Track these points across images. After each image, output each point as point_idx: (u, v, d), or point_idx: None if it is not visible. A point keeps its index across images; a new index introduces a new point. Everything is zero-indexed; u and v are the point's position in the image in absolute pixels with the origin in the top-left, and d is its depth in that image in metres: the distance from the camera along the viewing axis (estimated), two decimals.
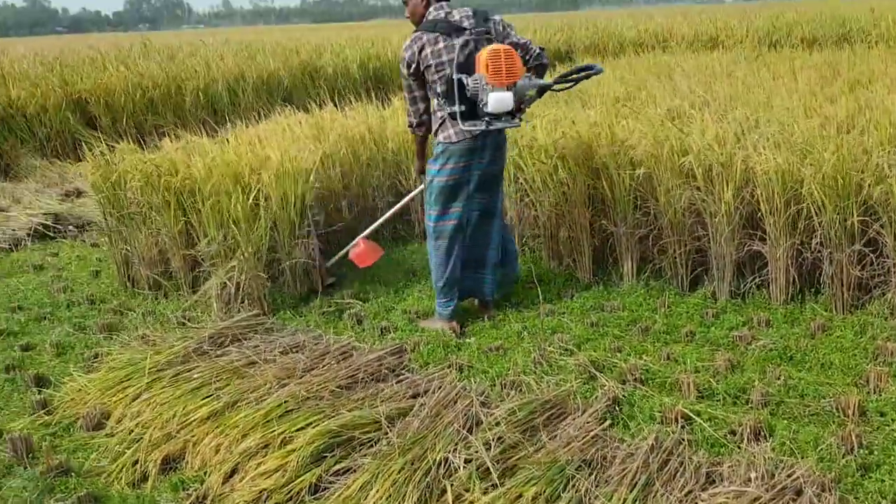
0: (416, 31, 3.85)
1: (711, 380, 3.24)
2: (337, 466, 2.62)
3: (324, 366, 3.24)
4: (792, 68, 7.83)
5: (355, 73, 12.03)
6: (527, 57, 3.90)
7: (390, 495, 2.41)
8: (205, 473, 2.78)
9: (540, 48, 3.96)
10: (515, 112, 3.79)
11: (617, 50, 15.50)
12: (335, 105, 6.71)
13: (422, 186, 4.27)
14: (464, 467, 2.50)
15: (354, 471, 2.58)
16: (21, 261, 5.62)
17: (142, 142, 9.34)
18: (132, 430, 3.08)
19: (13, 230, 6.19)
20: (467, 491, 2.43)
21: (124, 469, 2.86)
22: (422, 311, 4.21)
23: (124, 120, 9.20)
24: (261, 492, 2.57)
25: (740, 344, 3.58)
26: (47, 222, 6.32)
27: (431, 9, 3.88)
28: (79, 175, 8.09)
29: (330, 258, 4.68)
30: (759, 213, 4.04)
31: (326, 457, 2.65)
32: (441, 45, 3.75)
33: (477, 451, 2.55)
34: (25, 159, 8.12)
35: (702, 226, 4.20)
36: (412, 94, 3.92)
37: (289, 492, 2.56)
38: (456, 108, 3.71)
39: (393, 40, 15.03)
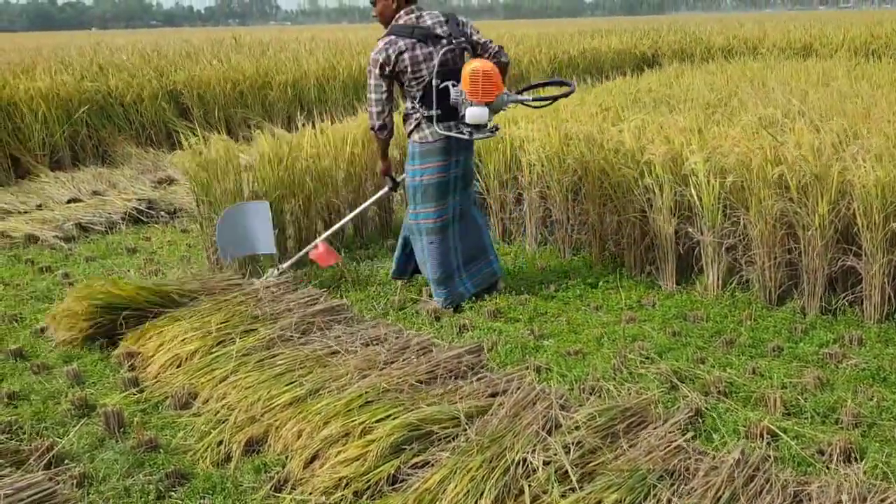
0: (389, 34, 4.04)
1: (799, 397, 3.15)
2: (415, 459, 2.64)
3: (404, 360, 3.27)
4: (892, 79, 7.52)
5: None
6: (485, 56, 4.16)
7: (468, 491, 2.42)
8: (286, 457, 2.84)
9: (499, 47, 4.20)
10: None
11: (705, 55, 15.17)
12: None
13: (387, 188, 4.62)
14: (542, 469, 2.49)
15: (432, 465, 2.60)
16: (116, 243, 5.86)
17: (231, 132, 9.66)
18: (218, 412, 3.18)
19: (109, 214, 6.46)
20: (545, 493, 2.42)
21: (209, 448, 2.94)
22: (498, 309, 4.21)
23: (215, 111, 9.49)
24: (340, 479, 2.61)
25: (830, 362, 3.46)
26: (141, 207, 6.57)
27: (402, 12, 4.08)
28: (171, 163, 8.40)
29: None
30: (855, 228, 3.89)
31: (405, 449, 2.68)
32: (419, 51, 3.99)
33: (556, 454, 2.54)
34: (122, 146, 8.46)
35: (793, 238, 4.07)
36: (380, 95, 4.08)
37: (367, 481, 2.59)
38: (433, 112, 3.98)
39: None
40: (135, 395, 3.44)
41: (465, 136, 4.00)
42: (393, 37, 4.01)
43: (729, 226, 4.27)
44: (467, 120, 3.92)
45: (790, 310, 4.05)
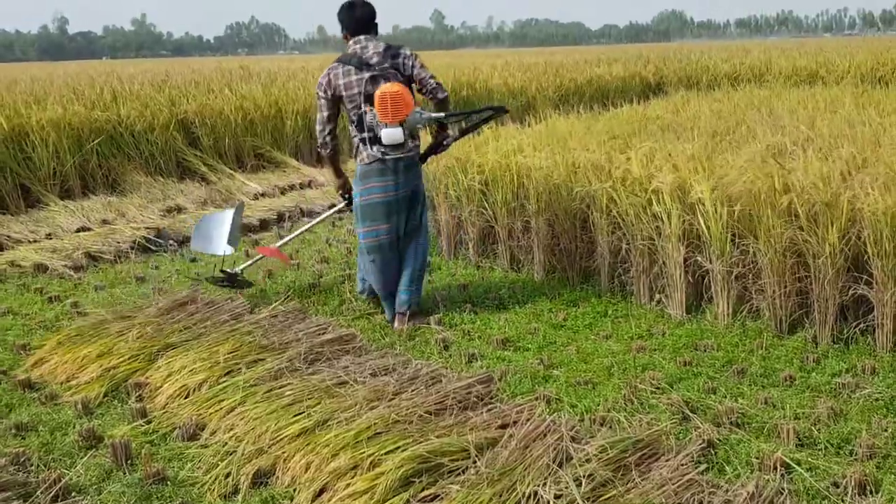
0: (335, 61, 4.36)
1: (812, 428, 3.11)
2: (425, 492, 2.62)
3: (413, 390, 3.25)
4: None
5: None
6: (423, 91, 4.40)
7: None
8: (294, 490, 2.82)
9: (437, 83, 4.37)
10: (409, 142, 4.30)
11: (711, 83, 15.24)
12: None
13: (342, 204, 4.93)
14: (554, 502, 2.46)
15: (442, 498, 2.58)
16: (124, 272, 5.87)
17: (241, 161, 9.72)
18: (226, 443, 3.16)
19: (118, 242, 6.48)
20: None
21: (217, 480, 2.92)
22: (507, 339, 4.19)
23: (226, 140, 9.55)
24: None
25: (843, 391, 3.42)
26: (150, 236, 6.59)
27: (351, 42, 4.37)
28: (180, 192, 8.45)
29: None
30: (866, 256, 3.87)
31: (414, 482, 2.65)
32: (353, 77, 4.26)
33: (567, 487, 2.51)
34: (131, 175, 8.52)
35: (804, 267, 4.05)
36: (322, 115, 4.39)
37: None
38: (365, 135, 4.28)
39: (484, 69, 15.16)
40: (143, 426, 3.42)
41: (382, 156, 4.26)
42: (336, 64, 4.33)
43: (738, 254, 4.26)
44: (384, 141, 4.17)
45: (802, 339, 4.01)
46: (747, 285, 4.27)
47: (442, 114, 4.42)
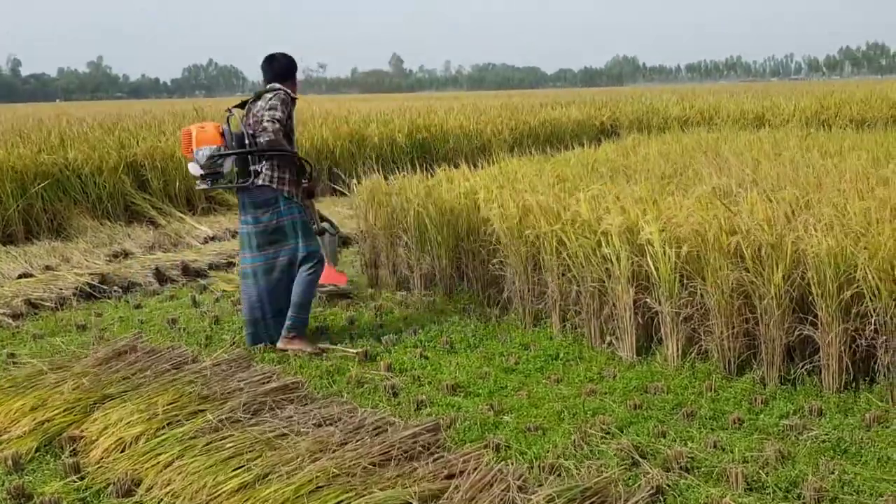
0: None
1: (761, 471, 3.09)
2: None
3: (357, 440, 3.16)
4: (841, 149, 7.73)
5: (401, 143, 12.23)
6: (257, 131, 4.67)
7: None
8: None
9: (268, 124, 4.57)
10: (224, 175, 4.67)
11: (662, 126, 15.55)
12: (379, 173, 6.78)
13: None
14: None
15: None
16: (66, 320, 5.69)
17: (191, 204, 9.57)
18: (161, 499, 3.03)
19: (60, 289, 6.29)
20: None
21: None
22: (458, 384, 4.12)
23: (176, 183, 9.42)
24: None
25: (791, 434, 3.42)
26: (94, 282, 6.42)
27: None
28: (128, 236, 8.28)
29: None
30: (811, 297, 3.91)
31: None
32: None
33: None
34: (77, 219, 8.33)
35: (750, 308, 4.08)
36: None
37: None
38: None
39: (439, 112, 15.29)
40: (75, 482, 3.26)
41: (205, 188, 4.75)
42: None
43: (686, 296, 4.27)
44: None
45: (750, 380, 4.02)
46: (696, 327, 4.27)
47: (224, 151, 4.55)
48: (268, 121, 4.57)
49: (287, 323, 4.73)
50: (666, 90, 31.92)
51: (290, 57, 4.96)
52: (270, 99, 4.66)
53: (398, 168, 9.71)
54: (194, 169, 4.55)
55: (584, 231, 4.63)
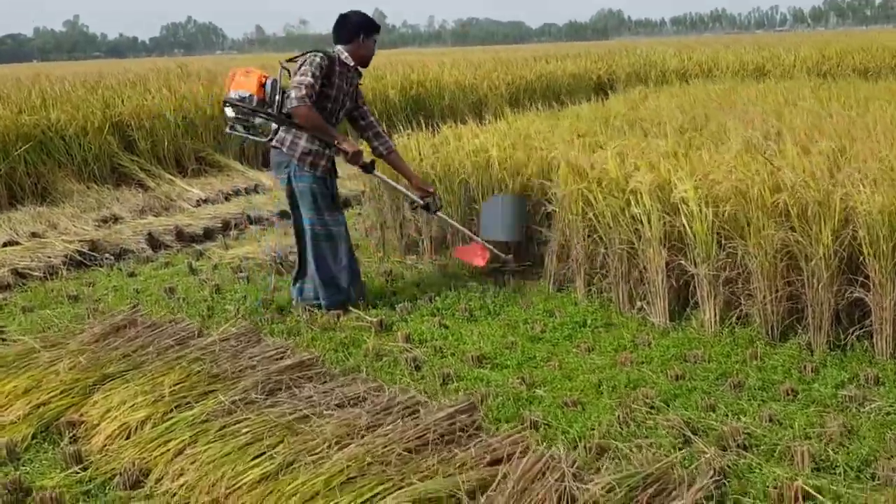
0: None
1: (827, 449, 2.85)
2: None
3: (389, 423, 2.89)
4: (858, 98, 7.43)
5: (394, 99, 11.82)
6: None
7: None
8: None
9: (291, 90, 4.25)
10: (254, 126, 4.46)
11: (660, 79, 15.16)
12: None
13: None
14: None
15: None
16: (56, 291, 5.35)
17: (181, 165, 9.18)
18: (175, 493, 2.75)
19: (48, 258, 5.95)
20: None
21: None
22: (483, 355, 3.86)
23: (164, 143, 9.01)
24: None
25: (851, 405, 3.18)
26: (84, 249, 6.07)
27: None
28: (116, 200, 7.90)
29: None
30: (862, 258, 3.64)
31: None
32: None
33: None
34: (63, 183, 7.94)
35: (796, 270, 3.81)
36: None
37: None
38: None
39: (433, 67, 14.84)
40: (77, 473, 2.99)
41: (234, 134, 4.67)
42: None
43: (724, 257, 4.00)
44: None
45: (796, 346, 3.77)
46: (735, 290, 4.01)
47: (246, 101, 4.34)
48: (293, 86, 4.23)
49: (322, 302, 4.57)
50: (654, 43, 31.34)
51: (361, 16, 4.53)
52: (303, 62, 4.31)
53: (393, 126, 9.37)
54: (229, 112, 4.41)
55: (612, 190, 4.33)
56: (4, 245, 6.35)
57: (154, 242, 6.47)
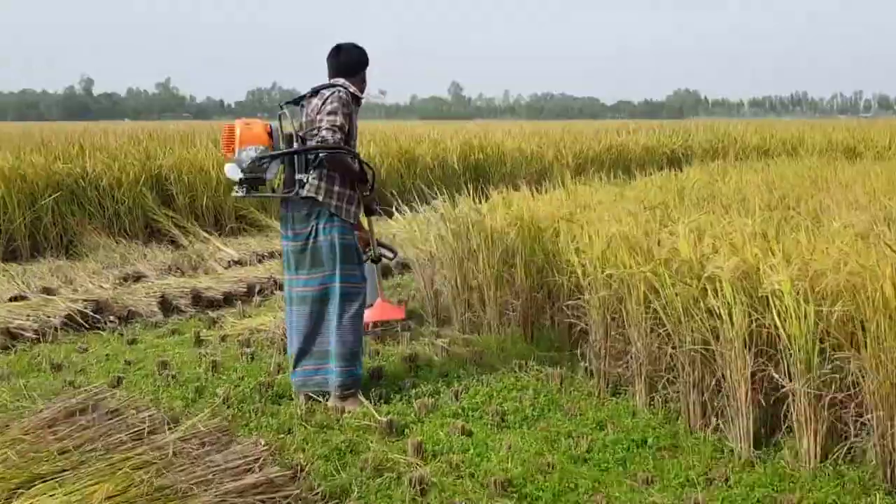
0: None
1: None
2: None
3: None
4: None
5: (454, 164, 11.24)
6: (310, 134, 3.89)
7: None
8: None
9: (326, 131, 3.76)
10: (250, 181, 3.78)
11: (740, 155, 14.24)
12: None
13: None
14: None
15: None
16: (42, 356, 4.75)
17: (220, 223, 8.68)
18: None
19: (48, 317, 5.39)
20: None
21: None
22: (509, 479, 3.01)
23: (203, 199, 8.54)
24: None
25: None
26: (87, 310, 5.49)
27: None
28: (143, 256, 7.40)
29: None
30: None
31: None
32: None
33: None
34: (90, 236, 7.49)
35: None
36: None
37: None
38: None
39: (497, 134, 14.30)
40: None
41: (245, 196, 3.92)
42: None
43: (830, 371, 3.09)
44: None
45: None
46: (844, 416, 3.09)
47: (271, 152, 3.77)
48: (326, 129, 3.76)
49: (336, 380, 3.84)
50: (732, 122, 30.29)
51: (362, 49, 4.12)
52: (328, 98, 3.84)
53: (450, 191, 8.73)
54: (233, 172, 3.78)
55: (684, 275, 3.50)
56: (11, 299, 5.85)
57: (167, 306, 5.86)
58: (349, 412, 3.73)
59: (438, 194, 5.71)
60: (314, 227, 3.83)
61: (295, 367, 3.95)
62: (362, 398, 3.82)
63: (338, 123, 3.76)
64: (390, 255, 4.75)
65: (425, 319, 5.36)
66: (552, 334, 4.71)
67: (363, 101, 4.08)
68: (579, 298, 4.12)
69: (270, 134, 3.80)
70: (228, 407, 3.77)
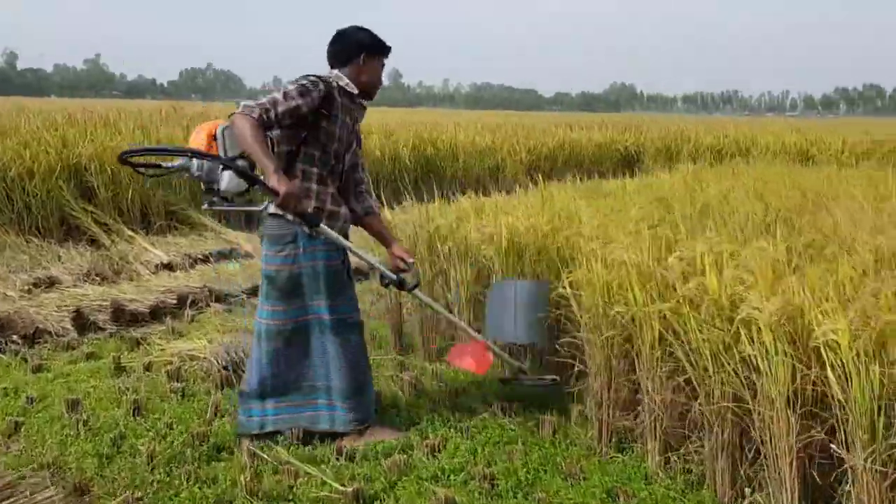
0: None
1: None
2: None
3: None
4: None
5: (405, 159, 10.55)
6: None
7: None
8: None
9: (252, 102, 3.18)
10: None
11: (693, 155, 13.95)
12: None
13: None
14: None
15: None
16: None
17: (147, 220, 7.84)
18: None
19: None
20: None
21: None
22: None
23: (129, 193, 7.64)
24: None
25: None
26: None
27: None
28: (58, 258, 6.51)
29: None
30: None
31: None
32: None
33: None
34: None
35: None
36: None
37: None
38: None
39: (448, 126, 13.68)
40: None
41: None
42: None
43: None
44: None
45: None
46: None
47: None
48: (260, 100, 3.09)
49: (347, 416, 3.31)
50: (661, 118, 30.29)
51: (357, 31, 3.35)
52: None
53: (401, 191, 8.07)
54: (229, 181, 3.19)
55: (714, 318, 2.92)
56: None
57: (83, 322, 5.05)
58: (379, 440, 3.31)
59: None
60: (293, 253, 3.20)
61: (245, 402, 3.32)
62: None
63: (269, 98, 3.07)
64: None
65: (384, 343, 4.71)
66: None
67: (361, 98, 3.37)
68: (574, 336, 3.52)
69: (214, 136, 3.10)
70: (153, 469, 3.04)
